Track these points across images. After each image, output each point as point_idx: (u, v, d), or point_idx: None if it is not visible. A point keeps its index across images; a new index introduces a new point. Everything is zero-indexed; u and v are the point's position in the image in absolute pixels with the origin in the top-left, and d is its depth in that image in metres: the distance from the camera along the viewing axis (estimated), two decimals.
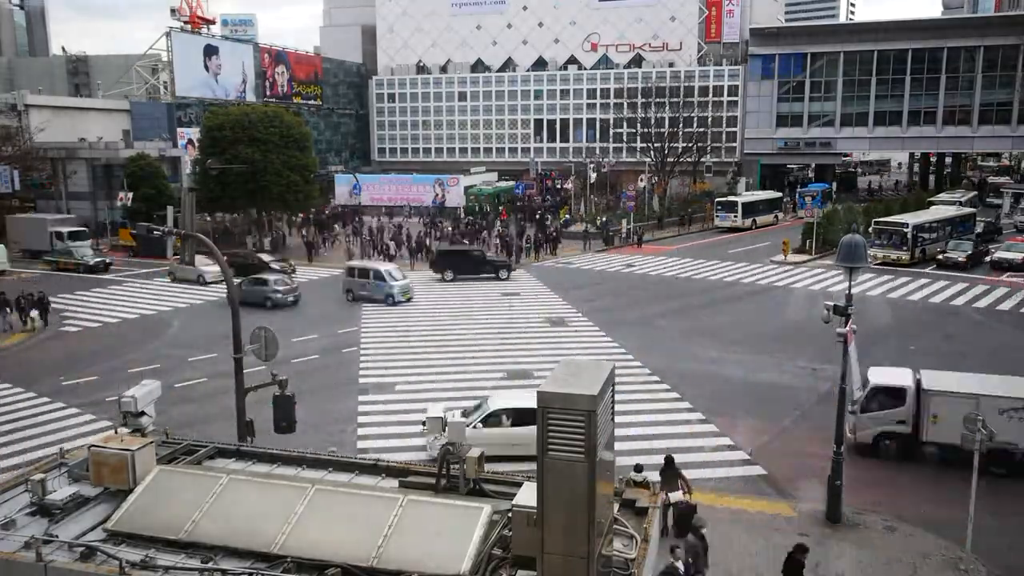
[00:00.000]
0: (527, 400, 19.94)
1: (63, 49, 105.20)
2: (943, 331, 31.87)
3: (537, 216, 62.95)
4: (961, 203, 60.30)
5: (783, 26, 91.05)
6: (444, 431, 8.70)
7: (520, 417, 18.69)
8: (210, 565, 7.36)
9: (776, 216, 66.70)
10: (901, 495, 17.72)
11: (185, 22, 76.73)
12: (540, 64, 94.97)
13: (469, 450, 8.49)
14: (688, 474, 16.93)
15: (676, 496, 15.75)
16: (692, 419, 22.16)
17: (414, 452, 19.35)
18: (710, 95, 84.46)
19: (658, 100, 77.27)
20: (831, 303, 16.73)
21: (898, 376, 20.15)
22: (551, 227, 57.30)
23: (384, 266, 40.07)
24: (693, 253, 51.61)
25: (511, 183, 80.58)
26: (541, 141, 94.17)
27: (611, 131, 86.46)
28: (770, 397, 24.02)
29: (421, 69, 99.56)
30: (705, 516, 15.72)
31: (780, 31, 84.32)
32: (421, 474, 8.96)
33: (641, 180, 68.59)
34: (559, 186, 79.44)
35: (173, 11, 75.66)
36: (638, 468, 14.97)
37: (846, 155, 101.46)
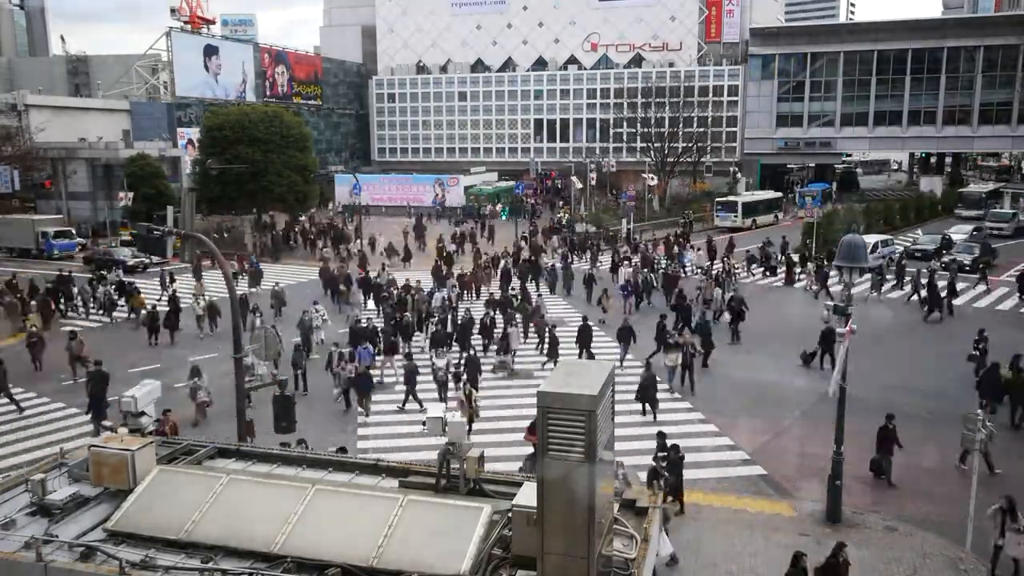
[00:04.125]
0: None
1: (62, 39, 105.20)
2: (947, 331, 31.88)
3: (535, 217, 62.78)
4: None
5: (783, 26, 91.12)
6: (444, 431, 8.69)
7: None
8: (210, 565, 7.36)
9: (776, 216, 67.34)
10: (901, 495, 17.72)
11: (185, 22, 76.79)
12: (540, 64, 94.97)
13: (469, 450, 8.49)
14: (688, 474, 16.90)
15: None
16: (692, 419, 22.16)
17: (414, 452, 19.31)
18: (710, 95, 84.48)
19: (658, 100, 77.40)
20: (831, 303, 16.72)
21: None
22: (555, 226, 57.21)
23: None
24: None
25: (511, 183, 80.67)
26: (541, 141, 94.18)
27: (611, 131, 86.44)
28: (770, 397, 24.01)
29: (421, 69, 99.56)
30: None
31: (780, 31, 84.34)
32: (421, 474, 8.96)
33: (651, 179, 68.45)
34: (560, 186, 79.41)
35: (173, 11, 75.73)
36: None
37: (847, 155, 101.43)
